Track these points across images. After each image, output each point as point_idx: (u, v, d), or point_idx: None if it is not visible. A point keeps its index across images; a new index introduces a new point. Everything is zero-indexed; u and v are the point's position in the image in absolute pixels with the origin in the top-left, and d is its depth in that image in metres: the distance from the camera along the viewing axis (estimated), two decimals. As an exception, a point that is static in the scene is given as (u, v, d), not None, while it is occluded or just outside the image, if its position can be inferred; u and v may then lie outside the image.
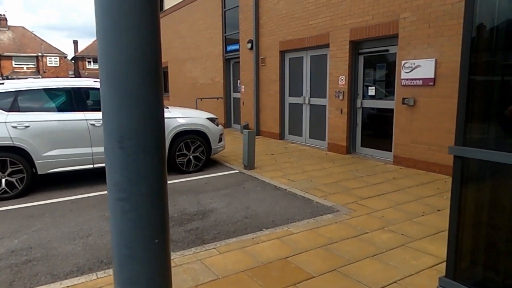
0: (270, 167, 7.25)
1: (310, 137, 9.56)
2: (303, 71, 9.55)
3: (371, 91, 7.84)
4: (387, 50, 7.37)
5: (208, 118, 7.33)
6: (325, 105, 8.94)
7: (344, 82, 8.13)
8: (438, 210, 4.68)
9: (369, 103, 7.90)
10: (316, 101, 9.23)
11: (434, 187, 5.65)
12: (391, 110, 7.39)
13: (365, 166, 7.17)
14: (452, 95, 6.09)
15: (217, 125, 7.47)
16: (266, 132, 11.01)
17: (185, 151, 6.95)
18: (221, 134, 7.52)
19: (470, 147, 2.62)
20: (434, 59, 6.28)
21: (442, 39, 6.16)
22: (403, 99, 6.78)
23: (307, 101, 9.48)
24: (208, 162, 7.42)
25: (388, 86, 7.51)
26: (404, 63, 6.79)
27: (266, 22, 10.50)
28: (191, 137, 6.99)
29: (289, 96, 10.15)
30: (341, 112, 8.28)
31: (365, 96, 7.99)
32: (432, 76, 6.33)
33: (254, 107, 11.22)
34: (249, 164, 7.11)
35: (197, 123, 7.07)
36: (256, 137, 10.81)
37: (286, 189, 5.81)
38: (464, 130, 2.64)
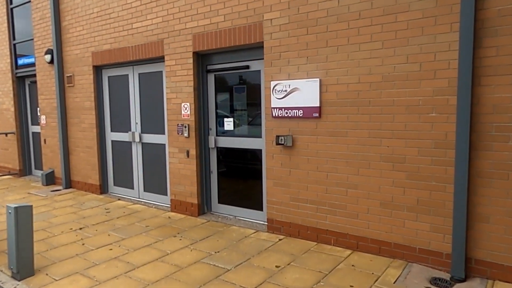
0: (67, 266, 4.03)
1: (145, 190, 6.62)
2: (129, 96, 6.62)
3: (228, 124, 5.48)
4: (248, 67, 5.15)
5: None
6: (164, 144, 6.20)
7: (189, 112, 5.57)
8: None
9: (226, 142, 5.51)
10: (151, 138, 6.40)
11: (345, 284, 3.49)
12: (261, 152, 5.16)
13: (229, 240, 4.66)
14: (346, 132, 4.16)
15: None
16: (80, 183, 7.53)
17: None
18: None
19: None
20: (317, 79, 4.29)
21: (327, 51, 4.22)
22: (277, 137, 4.59)
23: (137, 139, 6.55)
24: None
25: (253, 117, 5.28)
26: (275, 86, 4.64)
27: (72, 25, 7.22)
28: None
29: (112, 131, 7.03)
30: (187, 155, 5.66)
31: (220, 131, 5.59)
32: (317, 104, 4.32)
33: (61, 147, 7.63)
34: (22, 269, 3.76)
35: None
36: (66, 191, 7.25)
37: None
38: None
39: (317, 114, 4.33)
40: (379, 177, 3.99)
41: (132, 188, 6.81)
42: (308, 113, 4.39)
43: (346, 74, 4.10)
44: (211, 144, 5.62)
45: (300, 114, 4.45)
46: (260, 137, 5.11)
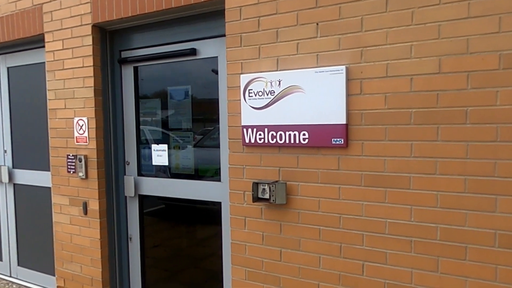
0: None
1: (20, 265, 3.92)
2: (-6, 105, 3.97)
3: (160, 155, 3.06)
4: (194, 52, 2.79)
5: None
6: (49, 188, 3.60)
7: (86, 134, 3.08)
8: None
9: (156, 187, 3.06)
10: (28, 177, 3.75)
11: None
12: (220, 208, 2.78)
13: None
14: (409, 179, 1.93)
15: None
16: None
17: None
18: None
19: None
20: (341, 68, 2.05)
21: (361, 8, 2.01)
22: (255, 186, 2.26)
23: (5, 177, 3.86)
24: None
25: (206, 142, 2.91)
26: (249, 83, 2.33)
27: None
28: None
29: (-31, 163, 4.28)
30: (85, 211, 3.14)
31: (146, 168, 3.15)
32: (341, 120, 2.07)
33: None
34: None
35: None
36: None
37: None
38: None
39: (340, 141, 2.07)
40: (492, 280, 1.81)
41: (0, 259, 4.08)
42: (321, 138, 2.12)
43: (408, 55, 1.91)
44: (129, 190, 3.15)
45: (303, 139, 2.17)
46: (219, 179, 2.76)
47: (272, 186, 2.22)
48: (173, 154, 3.00)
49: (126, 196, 3.20)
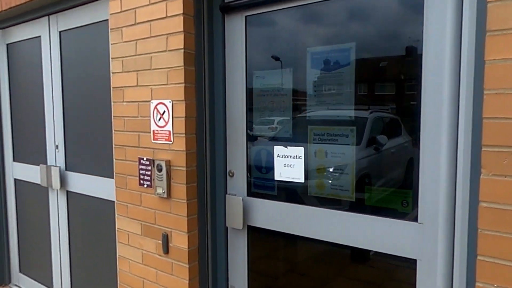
0: None
1: (74, 300, 2.93)
2: (43, 85, 2.95)
3: (291, 165, 1.81)
4: (372, -25, 1.50)
5: None
6: (113, 202, 2.52)
7: (170, 127, 1.91)
8: None
9: (285, 219, 1.82)
10: (86, 183, 2.70)
11: None
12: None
13: None
14: None
15: None
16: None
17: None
18: None
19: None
20: None
21: None
22: None
23: (57, 182, 2.84)
24: None
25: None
26: None
27: None
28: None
29: (16, 160, 3.35)
30: (165, 248, 1.99)
31: (261, 182, 1.92)
32: None
33: None
34: None
35: None
36: None
37: None
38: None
39: None
40: None
41: (51, 285, 3.12)
42: None
43: None
44: (234, 219, 1.94)
45: None
46: (414, 218, 1.45)
47: None
48: (314, 164, 1.74)
49: (227, 228, 2.01)
